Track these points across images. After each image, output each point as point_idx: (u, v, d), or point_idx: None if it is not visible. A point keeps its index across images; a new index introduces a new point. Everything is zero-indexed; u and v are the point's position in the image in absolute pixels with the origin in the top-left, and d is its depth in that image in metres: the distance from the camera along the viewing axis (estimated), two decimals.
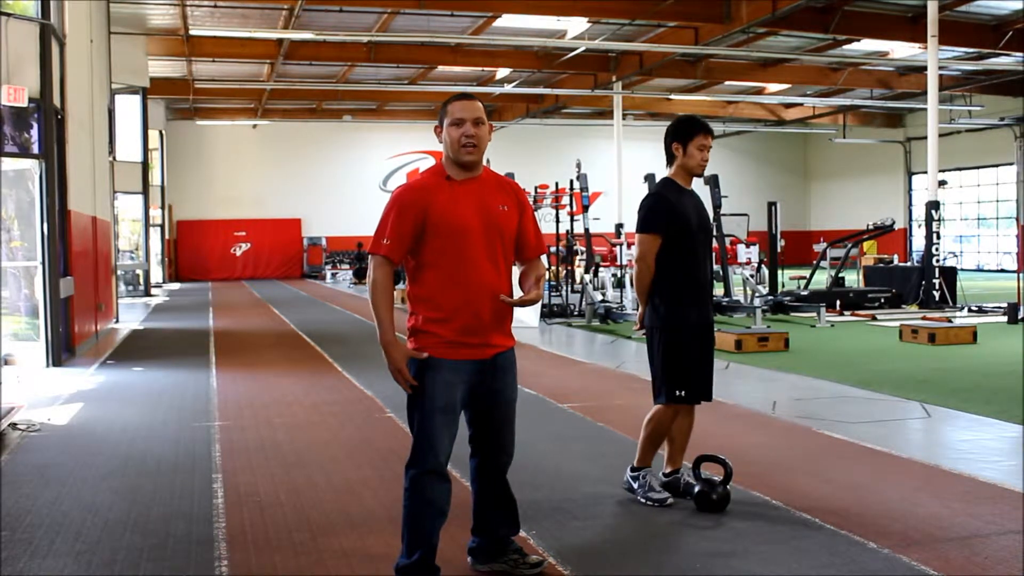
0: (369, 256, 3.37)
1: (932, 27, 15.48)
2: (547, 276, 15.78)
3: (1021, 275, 14.46)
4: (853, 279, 18.57)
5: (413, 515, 3.34)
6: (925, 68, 17.29)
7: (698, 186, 4.71)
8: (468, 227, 3.33)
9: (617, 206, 24.38)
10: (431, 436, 3.33)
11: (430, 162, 33.18)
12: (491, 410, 3.48)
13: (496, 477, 3.56)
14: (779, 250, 16.58)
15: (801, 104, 28.57)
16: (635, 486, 4.51)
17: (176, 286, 26.62)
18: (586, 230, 15.92)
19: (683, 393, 4.41)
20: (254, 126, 31.47)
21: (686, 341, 4.39)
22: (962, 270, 21.51)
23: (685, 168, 4.46)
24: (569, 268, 16.38)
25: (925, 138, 17.48)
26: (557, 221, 16.36)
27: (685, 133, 4.43)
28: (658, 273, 4.42)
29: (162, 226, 27.34)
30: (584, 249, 17.06)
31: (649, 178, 16.21)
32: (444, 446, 3.35)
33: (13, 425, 6.42)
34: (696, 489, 4.36)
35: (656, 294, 4.44)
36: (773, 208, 15.95)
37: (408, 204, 3.33)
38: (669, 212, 4.40)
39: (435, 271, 3.34)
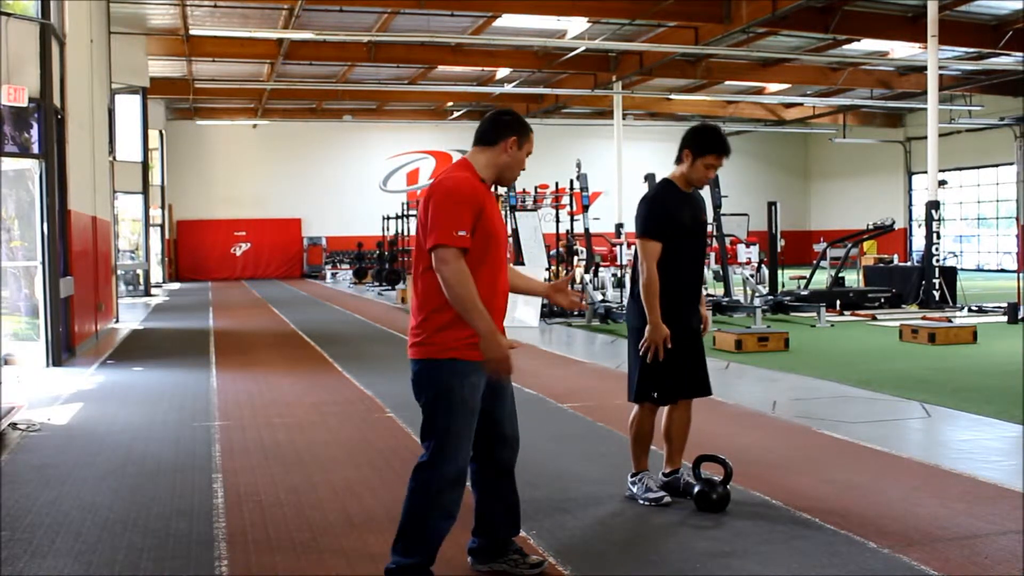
0: (438, 248, 3.20)
1: (932, 27, 15.47)
2: (547, 276, 15.80)
3: (1021, 275, 14.46)
4: (853, 279, 18.56)
5: (423, 518, 3.32)
6: (925, 68, 17.29)
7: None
8: (501, 232, 3.42)
9: (617, 206, 24.39)
10: (460, 440, 3.33)
11: (430, 162, 33.21)
12: (500, 404, 3.51)
13: (505, 475, 3.57)
14: (779, 250, 16.58)
15: (801, 104, 28.58)
16: (634, 490, 4.53)
17: (176, 286, 26.63)
18: (586, 230, 15.92)
19: (656, 394, 4.43)
20: (254, 126, 31.47)
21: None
22: (962, 270, 21.51)
23: (687, 177, 4.42)
24: (569, 268, 16.37)
25: (925, 138, 17.48)
26: (557, 221, 16.37)
27: (700, 146, 4.34)
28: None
29: (162, 226, 27.34)
30: (584, 249, 17.06)
31: (649, 178, 16.19)
32: (469, 449, 3.38)
33: (13, 425, 6.42)
34: (696, 489, 4.37)
35: (640, 294, 4.44)
36: (773, 208, 15.94)
37: (472, 199, 3.27)
38: (665, 217, 4.37)
39: (476, 272, 3.27)
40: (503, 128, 3.43)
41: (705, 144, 4.34)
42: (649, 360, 4.33)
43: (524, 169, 3.53)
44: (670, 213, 4.38)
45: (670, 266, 4.37)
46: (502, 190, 16.21)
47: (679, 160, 4.44)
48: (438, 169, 31.75)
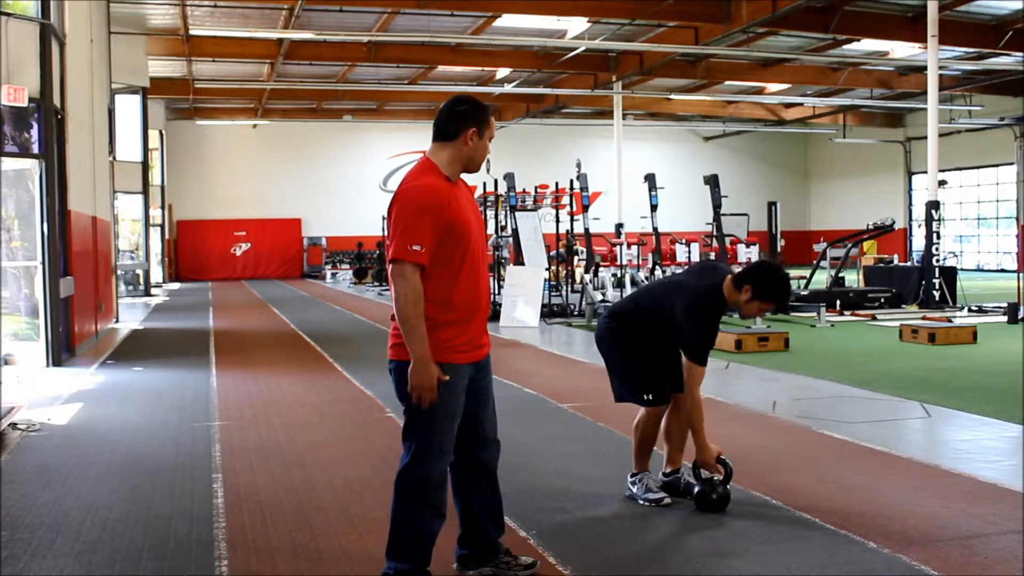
0: (394, 262, 3.17)
1: (932, 27, 15.47)
2: (547, 276, 15.81)
3: (1021, 275, 14.46)
4: (853, 279, 18.56)
5: (413, 521, 3.32)
6: (925, 68, 17.29)
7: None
8: (471, 229, 3.34)
9: (617, 206, 24.37)
10: (443, 442, 3.32)
11: None
12: (483, 406, 3.50)
13: (488, 476, 3.55)
14: (779, 250, 16.59)
15: (801, 104, 28.57)
16: (634, 490, 4.53)
17: (176, 286, 26.62)
18: (586, 230, 15.94)
19: (650, 396, 4.45)
20: (254, 126, 31.46)
21: (650, 345, 4.42)
22: (962, 270, 21.51)
23: (738, 307, 4.37)
24: (569, 268, 16.38)
25: (925, 138, 17.48)
26: (557, 221, 16.38)
27: (764, 292, 4.28)
28: (653, 324, 4.42)
29: (162, 226, 27.33)
30: (584, 249, 17.07)
31: (649, 178, 16.23)
32: (452, 450, 3.37)
33: (13, 425, 6.42)
34: (696, 489, 4.37)
35: (634, 323, 4.47)
36: (773, 208, 15.97)
37: (433, 206, 3.21)
38: (714, 339, 4.38)
39: (449, 274, 3.26)
40: (461, 120, 3.33)
41: (769, 292, 4.30)
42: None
43: (489, 152, 3.44)
44: (717, 330, 4.42)
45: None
46: (502, 190, 16.22)
47: (738, 287, 4.31)
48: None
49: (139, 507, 4.56)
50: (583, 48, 20.59)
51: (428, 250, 3.18)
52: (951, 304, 15.41)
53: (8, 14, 9.05)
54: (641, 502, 4.45)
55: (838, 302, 14.98)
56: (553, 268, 16.61)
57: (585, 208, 15.76)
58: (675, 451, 4.61)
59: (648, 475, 4.53)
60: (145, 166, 21.88)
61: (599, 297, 14.29)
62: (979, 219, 30.87)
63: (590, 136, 32.30)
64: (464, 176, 3.48)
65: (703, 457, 4.32)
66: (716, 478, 4.39)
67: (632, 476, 4.56)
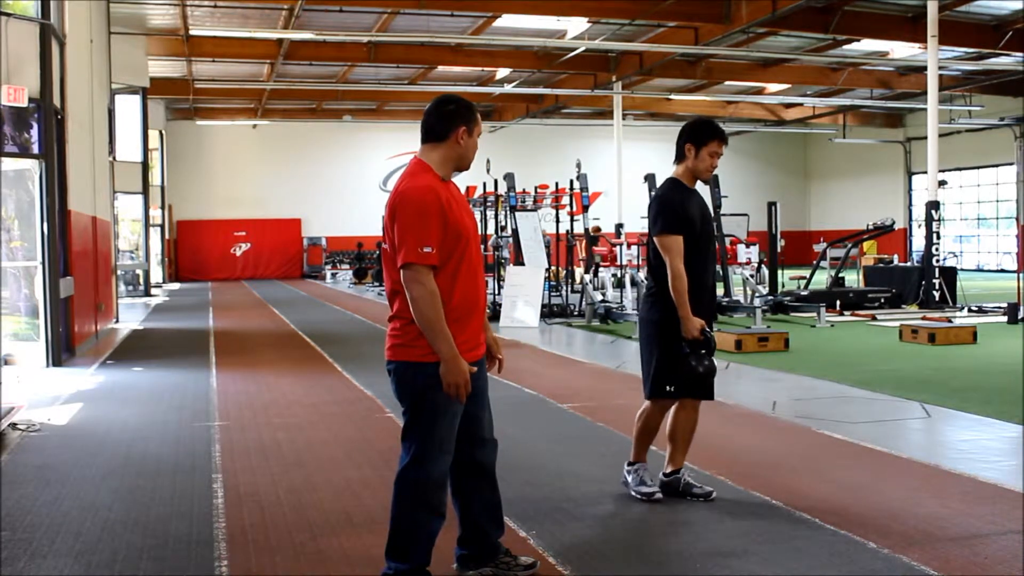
0: (407, 267, 3.19)
1: (932, 27, 15.47)
2: (547, 275, 15.81)
3: (1021, 275, 14.46)
4: (853, 279, 18.56)
5: (413, 521, 3.32)
6: (925, 68, 17.29)
7: (698, 185, 4.68)
8: (468, 228, 3.36)
9: (617, 206, 24.38)
10: (443, 442, 3.32)
11: None
12: (481, 406, 3.49)
13: (487, 476, 3.55)
14: (779, 250, 16.57)
15: (801, 104, 28.57)
16: (628, 479, 4.53)
17: (176, 286, 26.63)
18: (586, 230, 15.92)
19: (672, 388, 4.43)
20: (254, 126, 31.46)
21: (681, 338, 4.39)
22: (962, 270, 21.51)
23: (693, 171, 4.44)
24: (568, 268, 16.38)
25: (925, 138, 17.48)
26: (557, 221, 16.37)
27: (700, 136, 4.41)
28: (664, 273, 4.39)
29: (162, 226, 27.34)
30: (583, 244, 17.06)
31: (649, 178, 16.20)
32: (452, 450, 3.36)
33: (13, 425, 6.42)
34: (687, 357, 4.35)
35: (662, 291, 4.42)
36: (773, 208, 15.94)
37: (436, 206, 3.23)
38: (681, 211, 4.38)
39: (447, 273, 3.27)
40: (450, 120, 3.35)
41: (705, 134, 4.42)
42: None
43: (477, 149, 3.45)
44: (683, 208, 4.40)
45: (694, 265, 4.37)
46: (502, 190, 16.22)
47: (681, 158, 4.46)
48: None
49: (139, 507, 4.56)
50: (583, 48, 20.60)
51: (438, 250, 3.21)
52: (951, 304, 15.40)
53: (8, 14, 9.05)
54: (633, 493, 4.46)
55: (838, 302, 14.97)
56: (553, 268, 16.60)
57: (585, 208, 15.75)
58: (678, 452, 4.60)
59: (644, 467, 4.53)
60: (145, 166, 21.89)
61: (599, 297, 14.29)
62: (979, 219, 30.87)
63: (590, 136, 32.30)
64: (460, 176, 3.48)
65: (687, 328, 4.31)
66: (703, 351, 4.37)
67: (629, 465, 4.56)
